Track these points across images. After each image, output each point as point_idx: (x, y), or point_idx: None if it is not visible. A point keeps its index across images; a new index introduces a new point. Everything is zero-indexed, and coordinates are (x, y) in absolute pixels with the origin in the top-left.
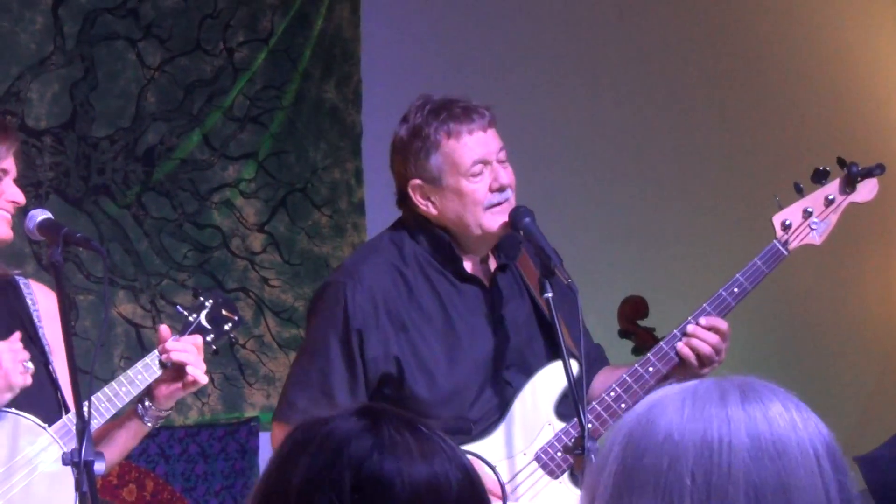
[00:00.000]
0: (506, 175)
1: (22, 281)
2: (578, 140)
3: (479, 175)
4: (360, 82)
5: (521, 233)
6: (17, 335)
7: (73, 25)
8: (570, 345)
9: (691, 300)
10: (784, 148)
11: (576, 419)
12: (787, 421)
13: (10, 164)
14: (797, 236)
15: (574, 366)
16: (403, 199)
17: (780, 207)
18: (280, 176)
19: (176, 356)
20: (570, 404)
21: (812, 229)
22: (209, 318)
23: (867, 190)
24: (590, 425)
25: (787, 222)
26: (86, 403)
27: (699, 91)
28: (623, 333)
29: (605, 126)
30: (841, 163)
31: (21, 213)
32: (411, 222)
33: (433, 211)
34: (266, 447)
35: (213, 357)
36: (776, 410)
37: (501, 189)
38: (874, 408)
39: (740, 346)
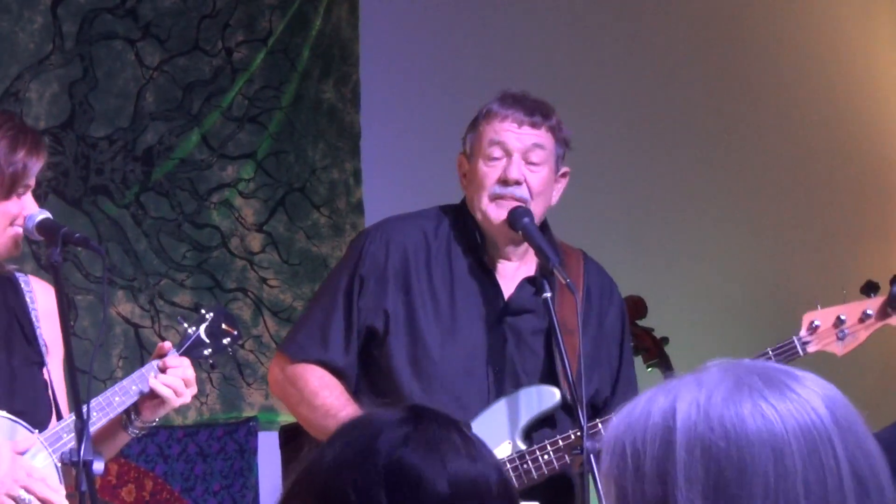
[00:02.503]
0: (518, 172)
1: (22, 278)
2: (578, 140)
3: (493, 160)
4: (359, 82)
5: (520, 233)
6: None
7: (71, 25)
8: (571, 358)
9: (690, 301)
10: (784, 150)
11: (536, 448)
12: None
13: (33, 180)
14: (821, 340)
15: (557, 393)
16: None
17: (819, 307)
18: (279, 176)
19: (161, 389)
20: (543, 431)
21: (838, 339)
22: (208, 332)
23: None
24: (548, 456)
25: (816, 323)
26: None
27: (697, 92)
28: None
29: (605, 126)
30: (894, 280)
31: None
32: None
33: (463, 187)
34: (265, 447)
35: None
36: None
37: (506, 182)
38: (874, 409)
39: (739, 346)
